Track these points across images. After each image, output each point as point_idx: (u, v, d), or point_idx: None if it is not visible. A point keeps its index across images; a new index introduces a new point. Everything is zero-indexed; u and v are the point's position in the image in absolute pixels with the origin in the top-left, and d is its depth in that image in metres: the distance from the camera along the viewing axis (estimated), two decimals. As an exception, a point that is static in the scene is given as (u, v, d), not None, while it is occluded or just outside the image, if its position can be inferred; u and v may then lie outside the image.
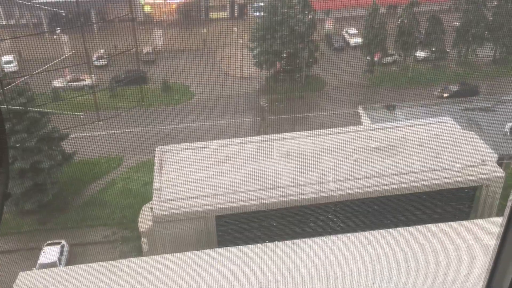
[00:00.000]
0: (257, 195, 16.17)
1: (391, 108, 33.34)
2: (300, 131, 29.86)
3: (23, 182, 24.57)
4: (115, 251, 24.56)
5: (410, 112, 31.90)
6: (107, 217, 25.99)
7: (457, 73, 37.54)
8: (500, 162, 20.77)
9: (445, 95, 34.88)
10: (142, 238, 17.47)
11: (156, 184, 17.06)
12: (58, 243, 24.24)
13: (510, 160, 26.97)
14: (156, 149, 19.12)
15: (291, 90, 36.32)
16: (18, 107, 24.07)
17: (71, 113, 26.97)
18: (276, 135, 20.59)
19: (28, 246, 24.88)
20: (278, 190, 16.25)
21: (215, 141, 19.55)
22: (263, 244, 10.72)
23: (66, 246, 24.52)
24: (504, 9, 37.53)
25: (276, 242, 10.92)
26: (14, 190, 24.90)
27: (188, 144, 19.97)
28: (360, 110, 32.85)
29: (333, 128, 20.50)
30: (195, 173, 17.20)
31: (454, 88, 35.42)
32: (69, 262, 23.99)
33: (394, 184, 16.74)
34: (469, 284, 8.99)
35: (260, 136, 21.75)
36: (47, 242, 24.33)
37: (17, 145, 23.93)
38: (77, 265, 19.70)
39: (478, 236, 10.37)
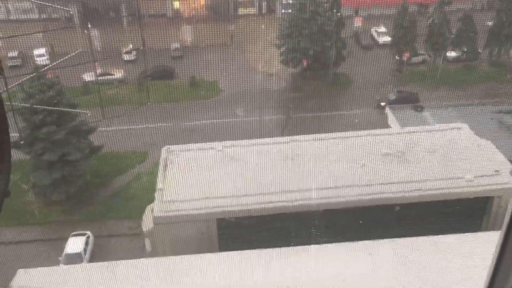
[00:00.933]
0: (261, 199, 15.90)
1: (419, 108, 32.85)
2: (323, 130, 29.66)
3: (51, 174, 25.10)
4: (139, 243, 24.90)
5: (438, 113, 31.38)
6: (132, 210, 26.34)
7: (488, 74, 36.68)
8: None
9: (382, 103, 33.40)
10: (145, 239, 17.38)
11: (159, 185, 16.91)
12: (84, 234, 24.71)
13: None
14: (162, 149, 18.90)
15: (317, 88, 36.10)
16: (24, 105, 24.58)
17: (80, 111, 27.31)
18: (284, 138, 20.26)
19: (55, 236, 25.41)
20: (282, 195, 15.94)
21: (221, 142, 19.19)
22: (263, 249, 10.59)
23: (92, 237, 24.97)
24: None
25: (277, 248, 10.79)
26: (42, 182, 25.47)
27: (193, 145, 19.79)
28: (387, 110, 32.48)
29: (343, 132, 19.96)
30: (198, 174, 17.01)
31: (392, 96, 34.05)
32: (93, 253, 24.46)
33: (401, 192, 16.22)
34: None
35: (265, 139, 21.31)
36: (73, 233, 24.81)
37: (21, 142, 24.40)
38: (76, 265, 20.03)
39: (489, 250, 10.07)
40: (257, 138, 28.16)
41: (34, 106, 24.13)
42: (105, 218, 26.20)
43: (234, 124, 31.63)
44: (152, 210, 16.49)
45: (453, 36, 36.90)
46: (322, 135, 19.73)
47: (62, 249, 23.97)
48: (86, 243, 24.36)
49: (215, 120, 31.98)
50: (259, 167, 17.33)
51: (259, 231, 16.25)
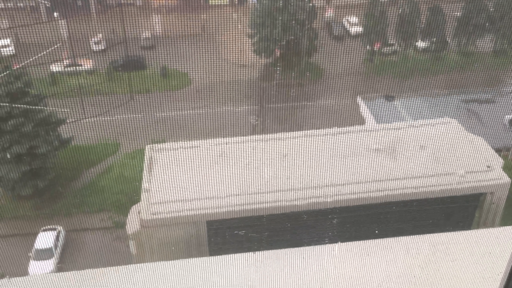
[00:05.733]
0: (251, 199, 15.44)
1: (390, 98, 33.16)
2: (298, 121, 29.59)
3: (19, 167, 24.42)
4: (111, 237, 24.54)
5: (409, 103, 31.73)
6: (103, 203, 25.92)
7: (457, 64, 37.29)
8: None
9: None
10: (130, 241, 16.79)
11: (144, 185, 16.23)
12: (54, 229, 24.18)
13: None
14: (146, 147, 18.15)
15: (290, 78, 36.07)
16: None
17: (56, 109, 26.64)
18: (273, 134, 19.68)
19: (24, 231, 24.82)
20: (273, 195, 15.54)
21: (208, 140, 18.55)
22: (256, 252, 10.34)
23: (63, 232, 24.46)
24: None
25: (270, 251, 10.58)
26: (10, 175, 24.77)
27: (179, 143, 19.13)
28: (359, 100, 32.68)
29: (333, 128, 19.49)
30: (186, 174, 16.39)
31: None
32: (65, 248, 23.97)
33: (392, 189, 15.95)
34: None
35: (255, 136, 20.72)
36: (43, 228, 24.26)
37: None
38: (51, 273, 19.44)
39: (484, 248, 10.05)
40: (229, 129, 27.92)
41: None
42: (76, 212, 25.69)
43: (206, 115, 31.37)
44: (138, 212, 15.84)
45: (422, 25, 37.32)
46: (313, 132, 19.32)
47: (32, 244, 23.43)
48: (57, 238, 23.85)
49: (185, 112, 31.64)
50: (249, 166, 16.84)
51: (250, 232, 15.89)
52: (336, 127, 19.27)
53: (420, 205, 16.44)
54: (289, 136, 19.03)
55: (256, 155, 17.37)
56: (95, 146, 28.73)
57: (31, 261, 22.80)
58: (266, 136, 19.83)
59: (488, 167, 16.70)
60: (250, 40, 35.40)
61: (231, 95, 31.36)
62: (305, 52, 35.36)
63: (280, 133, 19.18)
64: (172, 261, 10.14)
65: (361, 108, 31.75)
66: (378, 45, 37.13)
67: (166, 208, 15.25)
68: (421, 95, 33.46)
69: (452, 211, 16.78)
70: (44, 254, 22.78)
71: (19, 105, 23.73)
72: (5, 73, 23.97)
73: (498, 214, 16.57)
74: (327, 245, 10.57)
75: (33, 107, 24.33)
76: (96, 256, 23.43)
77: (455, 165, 16.81)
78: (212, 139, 18.58)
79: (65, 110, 27.39)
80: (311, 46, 35.50)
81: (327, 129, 19.23)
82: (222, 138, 18.76)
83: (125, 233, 22.22)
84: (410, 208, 16.42)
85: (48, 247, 23.12)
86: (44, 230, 24.08)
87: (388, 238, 10.83)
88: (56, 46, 30.57)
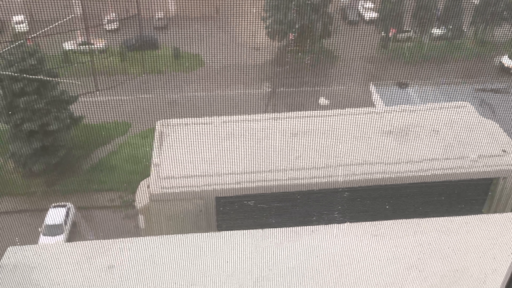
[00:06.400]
0: (261, 177, 15.35)
1: (403, 85, 32.91)
2: (310, 106, 29.45)
3: (31, 144, 24.68)
4: (120, 215, 24.81)
5: (423, 91, 31.47)
6: (114, 181, 26.15)
7: (472, 52, 36.82)
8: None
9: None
10: (139, 215, 16.84)
11: (154, 159, 16.11)
12: (64, 206, 24.47)
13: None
14: (157, 123, 17.97)
15: (302, 63, 35.85)
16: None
17: (69, 80, 26.75)
18: (284, 113, 19.52)
19: (35, 207, 25.15)
20: (283, 173, 15.42)
21: (220, 117, 18.31)
22: (264, 229, 10.37)
23: (72, 208, 24.75)
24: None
25: (278, 229, 10.59)
26: (22, 151, 25.07)
27: (191, 119, 18.72)
28: (371, 86, 32.46)
29: (346, 109, 19.22)
30: (196, 150, 16.27)
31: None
32: (74, 224, 24.29)
33: (403, 172, 15.74)
34: (481, 282, 8.78)
35: (266, 114, 20.51)
36: (53, 204, 24.56)
37: (9, 112, 23.80)
38: (69, 243, 19.68)
39: (494, 232, 9.97)
40: (241, 112, 27.86)
41: (17, 74, 23.53)
42: (87, 189, 25.96)
43: (217, 97, 31.35)
44: (148, 186, 15.84)
45: (439, 12, 36.83)
46: (326, 112, 19.07)
47: (42, 220, 23.75)
48: (67, 215, 24.14)
49: (197, 93, 31.66)
50: (260, 144, 16.69)
51: (258, 210, 15.88)
52: (348, 108, 19.05)
53: (431, 188, 16.30)
54: (301, 115, 18.87)
55: (268, 133, 17.24)
56: (105, 125, 28.91)
57: (41, 236, 23.15)
58: (278, 114, 19.66)
59: (504, 151, 16.38)
60: (264, 23, 35.18)
61: (244, 78, 31.28)
62: (319, 37, 35.07)
63: (291, 112, 18.91)
64: (180, 235, 10.23)
65: (373, 94, 31.56)
66: (393, 31, 36.74)
67: (176, 183, 15.26)
68: (434, 83, 33.16)
69: (463, 195, 16.63)
70: (54, 230, 23.10)
71: (34, 77, 23.83)
72: (16, 44, 24.07)
73: (510, 199, 16.37)
74: (334, 224, 10.58)
75: (48, 79, 24.42)
76: (105, 233, 23.71)
77: (469, 149, 16.55)
78: (224, 116, 18.43)
79: (78, 82, 27.47)
80: (325, 31, 35.21)
81: (339, 110, 19.03)
82: (234, 116, 18.65)
83: (134, 211, 22.40)
84: (421, 190, 16.31)
85: (58, 223, 23.44)
86: (54, 207, 24.38)
87: (396, 220, 10.80)
88: (69, 17, 30.47)
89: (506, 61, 34.29)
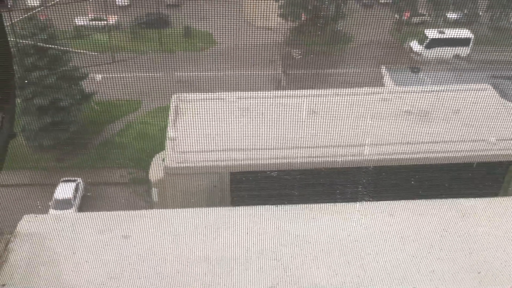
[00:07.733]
0: (275, 154, 15.20)
1: (415, 70, 32.57)
2: (323, 88, 29.19)
3: (41, 119, 24.71)
4: (130, 191, 24.90)
5: (435, 76, 31.16)
6: (123, 158, 26.19)
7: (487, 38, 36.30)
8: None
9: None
10: (153, 189, 16.81)
11: (170, 133, 16.04)
12: (74, 181, 24.58)
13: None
14: (172, 96, 17.85)
15: (315, 44, 35.54)
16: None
17: (84, 51, 26.60)
18: (300, 91, 19.30)
19: (45, 181, 25.27)
20: (298, 150, 15.29)
21: (236, 92, 18.14)
22: (278, 206, 10.32)
23: (82, 183, 24.85)
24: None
25: (292, 205, 10.55)
26: (32, 126, 25.11)
27: (206, 94, 18.63)
28: (383, 70, 32.13)
29: (363, 88, 18.94)
30: (212, 125, 16.16)
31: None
32: (83, 200, 24.41)
33: (422, 152, 15.58)
34: (498, 264, 8.74)
35: (282, 91, 20.26)
36: (63, 179, 24.66)
37: (25, 81, 23.69)
38: (84, 212, 19.82)
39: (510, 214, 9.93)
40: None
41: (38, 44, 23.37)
42: (97, 166, 26.03)
43: (227, 78, 31.14)
44: (163, 160, 15.85)
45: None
46: (343, 91, 18.85)
47: (52, 194, 23.89)
48: (76, 190, 24.26)
49: (208, 73, 31.46)
50: (276, 121, 16.48)
51: (273, 187, 15.80)
52: (366, 87, 18.82)
53: (448, 170, 16.16)
54: (318, 93, 18.67)
55: (284, 110, 17.06)
56: (116, 102, 28.83)
57: (50, 210, 23.29)
58: (295, 92, 19.41)
59: None
60: (276, 3, 34.78)
61: (255, 59, 31.01)
62: (332, 19, 34.68)
63: (308, 90, 18.64)
64: (195, 208, 10.26)
65: (384, 78, 31.28)
66: (408, 14, 36.26)
67: (191, 157, 15.22)
68: (447, 68, 32.81)
69: (480, 178, 16.48)
70: (63, 204, 23.23)
71: (49, 46, 23.67)
72: (27, 15, 23.90)
73: None
74: (351, 203, 10.56)
75: (63, 49, 24.28)
76: (115, 209, 23.82)
77: (488, 131, 16.34)
78: (240, 92, 18.28)
79: (94, 53, 27.30)
80: (338, 13, 34.81)
81: (356, 88, 18.79)
82: (250, 92, 18.49)
83: (144, 188, 22.42)
84: (438, 172, 16.18)
85: (67, 197, 23.57)
86: (64, 181, 24.50)
87: (412, 200, 10.76)
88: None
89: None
